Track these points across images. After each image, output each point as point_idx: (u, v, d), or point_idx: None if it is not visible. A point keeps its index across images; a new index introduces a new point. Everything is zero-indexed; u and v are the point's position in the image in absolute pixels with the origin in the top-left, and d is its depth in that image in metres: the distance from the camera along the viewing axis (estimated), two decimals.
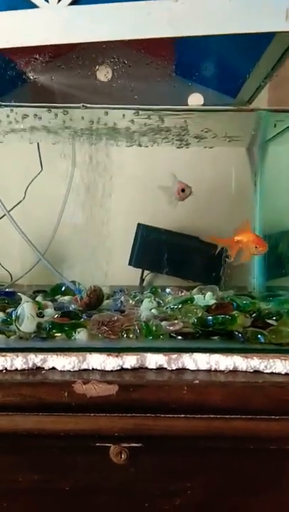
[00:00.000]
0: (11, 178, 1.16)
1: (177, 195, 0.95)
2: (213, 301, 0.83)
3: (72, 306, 0.82)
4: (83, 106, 0.75)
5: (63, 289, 0.92)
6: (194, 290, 0.92)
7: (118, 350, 0.61)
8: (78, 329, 0.65)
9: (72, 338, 0.65)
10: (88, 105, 0.79)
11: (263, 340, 0.62)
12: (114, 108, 0.80)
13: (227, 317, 0.65)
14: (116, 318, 0.65)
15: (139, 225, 1.33)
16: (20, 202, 1.22)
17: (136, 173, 1.34)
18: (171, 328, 0.65)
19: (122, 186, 1.36)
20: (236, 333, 0.63)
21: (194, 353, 0.60)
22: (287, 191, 0.94)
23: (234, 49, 0.83)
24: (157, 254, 1.27)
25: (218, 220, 1.24)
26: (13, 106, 0.81)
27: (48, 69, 0.85)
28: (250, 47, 0.82)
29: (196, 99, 0.94)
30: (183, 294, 0.91)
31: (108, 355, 0.60)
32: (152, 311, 0.78)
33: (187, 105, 0.95)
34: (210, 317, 0.66)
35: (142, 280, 1.38)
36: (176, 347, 0.62)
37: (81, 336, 0.64)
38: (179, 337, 0.64)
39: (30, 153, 1.14)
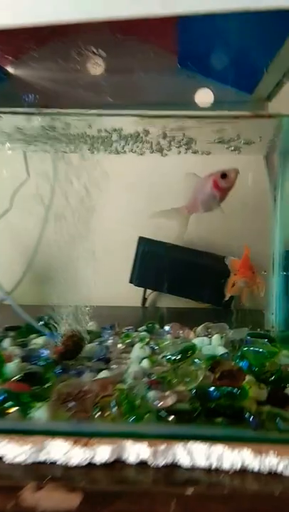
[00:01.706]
0: None
1: (215, 190, 0.72)
2: (220, 349, 0.67)
3: (46, 352, 0.67)
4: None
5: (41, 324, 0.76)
6: (199, 328, 0.76)
7: (88, 435, 0.46)
8: (38, 404, 0.50)
9: (29, 415, 0.49)
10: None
11: (282, 426, 0.46)
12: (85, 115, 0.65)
13: (235, 391, 0.49)
14: (87, 388, 0.50)
15: (140, 238, 1.18)
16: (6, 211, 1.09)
17: (136, 180, 1.19)
18: (160, 403, 0.49)
19: (120, 195, 1.21)
20: (247, 415, 0.47)
21: (189, 443, 0.44)
22: None
23: (249, 35, 0.67)
24: (161, 271, 1.12)
25: (230, 235, 1.08)
26: None
27: (26, 62, 0.70)
28: (268, 32, 0.65)
29: (204, 96, 0.77)
30: (183, 333, 0.75)
31: (75, 442, 0.46)
32: (143, 363, 0.62)
33: (193, 103, 0.79)
34: (212, 389, 0.50)
35: (144, 300, 1.22)
36: (166, 433, 0.46)
37: (41, 413, 0.49)
38: (171, 417, 0.48)
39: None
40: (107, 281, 1.23)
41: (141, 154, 0.90)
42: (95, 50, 0.69)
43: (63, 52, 0.68)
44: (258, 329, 0.81)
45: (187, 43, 0.70)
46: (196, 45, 0.72)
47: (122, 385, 0.56)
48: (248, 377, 0.53)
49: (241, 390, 0.49)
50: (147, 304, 1.22)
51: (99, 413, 0.49)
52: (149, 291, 1.22)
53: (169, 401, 0.49)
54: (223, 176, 0.71)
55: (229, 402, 0.49)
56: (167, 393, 0.50)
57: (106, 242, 1.19)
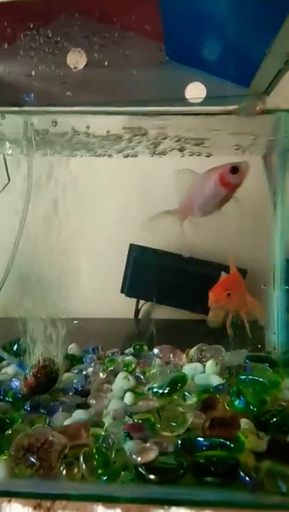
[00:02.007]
0: None
1: (221, 188, 0.61)
2: (215, 379, 0.59)
3: (16, 384, 0.59)
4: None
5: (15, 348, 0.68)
6: (192, 351, 0.68)
7: (52, 498, 0.38)
8: None
9: None
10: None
11: (284, 489, 0.38)
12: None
13: (228, 444, 0.41)
14: (51, 439, 0.42)
15: (131, 246, 1.10)
16: None
17: (128, 184, 1.11)
18: (139, 459, 0.41)
19: (110, 198, 1.13)
20: (242, 473, 0.39)
21: (172, 509, 0.36)
22: None
23: (243, 18, 0.59)
24: (154, 280, 1.03)
25: (227, 242, 1.00)
26: None
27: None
28: (264, 15, 0.57)
29: (196, 90, 0.69)
30: (174, 358, 0.66)
31: (35, 506, 0.38)
32: (126, 398, 0.54)
33: (184, 98, 0.70)
34: (201, 439, 0.42)
35: (137, 312, 1.14)
36: (144, 497, 0.38)
37: None
38: (151, 476, 0.40)
39: None
40: (97, 291, 1.16)
41: (133, 156, 0.82)
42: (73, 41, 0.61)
43: (38, 45, 0.61)
44: (259, 345, 0.74)
45: (173, 30, 0.62)
46: (183, 33, 0.64)
47: (97, 430, 0.48)
48: (244, 422, 0.45)
49: (236, 442, 0.41)
50: (140, 316, 1.14)
51: (64, 470, 0.41)
52: (142, 301, 1.13)
53: (151, 455, 0.41)
54: (234, 170, 0.59)
55: (221, 456, 0.41)
56: (148, 445, 0.42)
57: (96, 250, 1.12)
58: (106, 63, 0.63)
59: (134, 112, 0.67)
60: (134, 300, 1.14)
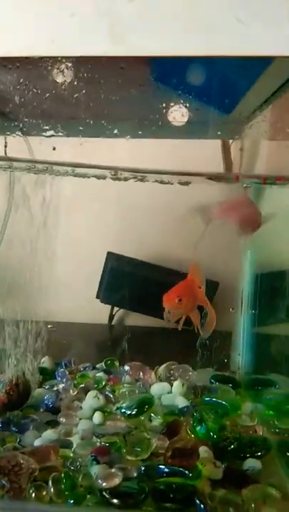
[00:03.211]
0: None
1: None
2: (181, 400, 0.62)
3: None
4: None
5: None
6: (161, 368, 0.71)
7: None
8: None
9: None
10: None
11: None
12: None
13: (185, 473, 0.44)
14: (21, 461, 0.44)
15: (108, 253, 1.12)
16: None
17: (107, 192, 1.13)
18: (104, 484, 0.44)
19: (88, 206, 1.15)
20: (197, 501, 0.42)
21: None
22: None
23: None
24: (128, 288, 1.06)
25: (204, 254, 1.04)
26: None
27: None
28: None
29: (179, 115, 0.71)
30: (144, 376, 0.69)
31: None
32: (95, 418, 0.57)
33: (168, 122, 0.73)
34: (163, 466, 0.45)
35: (111, 318, 1.17)
36: None
37: None
38: (114, 500, 0.43)
39: None
40: (73, 296, 1.18)
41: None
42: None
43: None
44: (224, 359, 0.77)
45: None
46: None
47: (66, 451, 0.50)
48: (204, 450, 0.48)
49: (194, 471, 0.44)
50: (114, 322, 1.17)
51: (34, 493, 0.43)
52: (116, 308, 1.16)
53: (116, 481, 0.44)
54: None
55: (180, 483, 0.44)
56: (114, 470, 0.45)
57: (73, 256, 1.14)
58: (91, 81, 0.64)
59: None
60: (109, 306, 1.16)
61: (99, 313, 1.16)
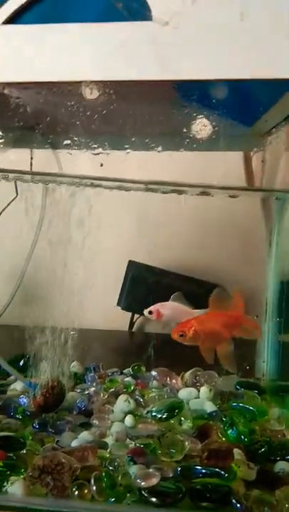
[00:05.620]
0: None
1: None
2: (209, 405, 0.64)
3: (25, 401, 0.63)
4: None
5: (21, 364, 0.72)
6: (187, 375, 0.73)
7: None
8: (13, 477, 0.46)
9: (3, 489, 0.46)
10: None
11: None
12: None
13: (221, 473, 0.46)
14: (64, 462, 0.46)
15: (130, 262, 1.15)
16: None
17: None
18: (143, 483, 0.46)
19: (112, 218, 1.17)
20: (233, 500, 0.44)
21: None
22: None
23: None
24: (149, 296, 1.08)
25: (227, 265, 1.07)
26: None
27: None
28: None
29: (202, 128, 0.74)
30: (170, 381, 0.71)
31: None
32: (127, 421, 0.59)
33: (189, 134, 0.75)
34: (199, 467, 0.47)
35: (132, 324, 1.19)
36: None
37: (16, 488, 0.45)
38: (153, 499, 0.45)
39: None
40: (95, 303, 1.21)
41: None
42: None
43: None
44: (247, 366, 0.79)
45: None
46: None
47: (102, 452, 0.53)
48: (237, 452, 0.50)
49: (229, 472, 0.46)
50: (134, 329, 1.19)
51: (76, 491, 0.45)
52: (137, 315, 1.18)
53: (154, 480, 0.46)
54: None
55: (216, 484, 0.46)
56: (151, 470, 0.47)
57: (97, 264, 1.17)
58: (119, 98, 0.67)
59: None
60: (129, 314, 1.18)
61: (119, 320, 1.19)
